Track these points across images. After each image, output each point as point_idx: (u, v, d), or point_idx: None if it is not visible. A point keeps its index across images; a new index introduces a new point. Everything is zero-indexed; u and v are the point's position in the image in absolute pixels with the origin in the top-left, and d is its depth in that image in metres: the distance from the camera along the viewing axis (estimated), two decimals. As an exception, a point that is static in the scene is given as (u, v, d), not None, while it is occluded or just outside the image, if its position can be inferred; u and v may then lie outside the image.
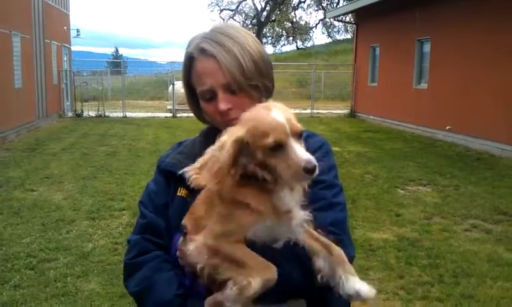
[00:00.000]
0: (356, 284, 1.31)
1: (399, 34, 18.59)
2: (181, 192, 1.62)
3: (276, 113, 1.30)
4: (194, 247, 1.35)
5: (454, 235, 6.67)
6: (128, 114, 23.02)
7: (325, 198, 1.55)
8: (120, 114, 22.87)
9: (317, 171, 1.27)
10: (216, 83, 1.54)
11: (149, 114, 23.60)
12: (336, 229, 1.48)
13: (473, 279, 5.25)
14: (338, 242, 1.39)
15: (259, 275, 1.25)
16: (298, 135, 1.31)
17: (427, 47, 16.96)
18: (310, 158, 1.25)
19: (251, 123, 1.32)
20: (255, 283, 1.24)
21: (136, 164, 11.30)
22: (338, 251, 1.36)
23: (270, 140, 1.26)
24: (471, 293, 4.91)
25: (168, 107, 25.03)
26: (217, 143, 1.33)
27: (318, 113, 24.28)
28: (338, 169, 1.71)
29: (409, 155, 12.85)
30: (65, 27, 24.55)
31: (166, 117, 22.81)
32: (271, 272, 1.27)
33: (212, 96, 1.57)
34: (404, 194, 8.89)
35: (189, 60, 1.61)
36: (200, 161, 1.36)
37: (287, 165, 1.26)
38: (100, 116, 22.23)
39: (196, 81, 1.61)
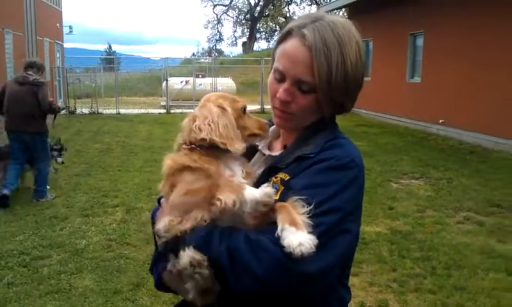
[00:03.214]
0: (289, 239, 1.24)
1: (392, 29, 18.61)
2: None
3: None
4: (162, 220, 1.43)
5: (446, 227, 6.71)
6: (122, 111, 22.92)
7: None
8: (114, 111, 22.78)
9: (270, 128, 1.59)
10: (291, 71, 1.46)
11: (143, 111, 23.49)
12: None
13: (465, 270, 5.30)
14: None
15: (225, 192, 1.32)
16: None
17: (420, 41, 16.98)
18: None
19: (220, 94, 1.59)
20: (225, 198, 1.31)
21: (129, 161, 11.29)
22: (280, 204, 1.33)
23: (240, 103, 1.56)
24: (463, 285, 4.95)
25: (162, 103, 24.96)
26: (210, 112, 1.48)
27: (312, 108, 24.23)
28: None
29: (403, 149, 12.90)
30: (58, 24, 24.46)
31: (159, 113, 22.74)
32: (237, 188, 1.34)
33: (281, 79, 1.50)
34: (397, 187, 8.92)
35: (286, 34, 1.51)
36: (204, 130, 1.45)
37: (254, 122, 1.57)
38: (94, 113, 22.12)
39: (278, 55, 1.52)
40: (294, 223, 1.26)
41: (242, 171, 1.49)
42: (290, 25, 1.52)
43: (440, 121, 15.06)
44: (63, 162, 9.14)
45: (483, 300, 4.68)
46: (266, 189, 1.30)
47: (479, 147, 12.80)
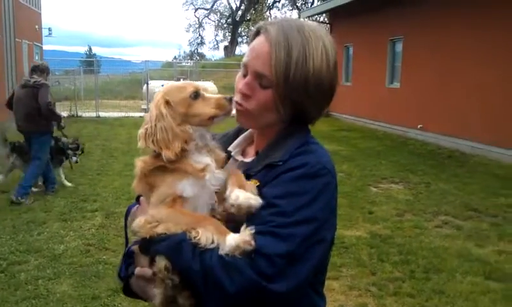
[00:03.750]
0: (236, 193, 1.34)
1: (372, 34, 18.79)
2: None
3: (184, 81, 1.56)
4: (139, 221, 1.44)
5: (425, 231, 6.78)
6: (102, 114, 22.68)
7: (265, 223, 1.32)
8: (93, 114, 22.54)
9: (234, 100, 1.50)
10: (253, 65, 1.48)
11: (123, 114, 23.28)
12: (261, 259, 1.27)
13: (443, 274, 5.36)
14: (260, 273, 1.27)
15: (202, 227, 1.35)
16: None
17: (399, 47, 17.18)
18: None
19: (166, 89, 1.53)
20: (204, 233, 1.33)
21: (109, 165, 11.19)
22: (235, 171, 1.43)
23: (188, 90, 1.49)
24: (441, 289, 5.01)
25: (142, 106, 24.75)
26: (151, 116, 1.48)
27: (293, 112, 24.29)
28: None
29: (382, 153, 13.01)
30: (37, 26, 24.16)
31: (140, 117, 22.53)
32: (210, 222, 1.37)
33: (246, 73, 1.51)
34: (376, 191, 9.00)
35: (256, 31, 1.53)
36: (141, 138, 1.48)
37: (210, 103, 1.49)
38: (73, 116, 21.80)
39: (246, 51, 1.54)
40: (242, 187, 1.34)
41: (212, 161, 1.50)
42: (261, 23, 1.55)
43: (419, 126, 15.25)
44: (76, 162, 9.36)
45: (461, 303, 4.74)
46: (246, 236, 1.28)
47: (456, 152, 12.98)
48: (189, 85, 1.52)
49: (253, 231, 1.28)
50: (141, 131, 1.49)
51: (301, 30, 1.45)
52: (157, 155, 1.46)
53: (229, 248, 1.27)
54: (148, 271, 1.44)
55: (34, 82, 7.94)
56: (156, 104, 1.49)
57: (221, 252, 1.28)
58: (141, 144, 1.47)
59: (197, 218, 1.38)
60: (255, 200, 1.30)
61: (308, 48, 1.43)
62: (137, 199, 1.56)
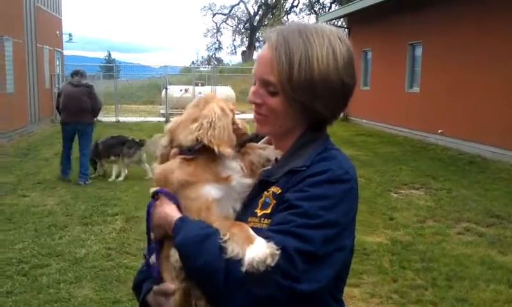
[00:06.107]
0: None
1: (390, 39, 18.68)
2: None
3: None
4: None
5: (447, 238, 6.69)
6: (121, 119, 22.90)
7: (288, 223, 1.32)
8: (113, 119, 22.75)
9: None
10: (258, 73, 1.50)
11: (142, 119, 23.49)
12: (283, 259, 1.26)
13: (466, 282, 5.28)
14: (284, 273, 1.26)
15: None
16: None
17: (418, 51, 17.04)
18: None
19: (222, 96, 1.60)
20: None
21: (129, 169, 11.23)
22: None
23: (231, 104, 1.58)
24: (464, 297, 4.93)
25: (161, 111, 24.96)
26: (210, 113, 1.48)
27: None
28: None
29: (402, 159, 12.90)
30: (57, 32, 24.46)
31: (159, 121, 22.71)
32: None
33: (255, 82, 1.54)
34: (397, 197, 8.92)
35: (263, 41, 1.56)
36: (195, 129, 1.48)
37: (240, 120, 1.57)
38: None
39: None
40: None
41: (242, 167, 1.50)
42: (265, 32, 1.58)
43: (439, 131, 15.08)
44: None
45: (484, 312, 4.67)
46: (270, 249, 1.24)
47: (478, 157, 12.81)
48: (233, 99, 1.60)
49: (278, 251, 1.24)
50: (196, 125, 1.48)
51: (303, 32, 1.45)
52: (181, 167, 1.47)
53: (248, 263, 1.24)
54: (169, 287, 1.46)
55: (86, 83, 9.81)
56: (218, 103, 1.53)
57: (242, 268, 1.25)
58: (193, 137, 1.48)
59: (225, 224, 1.36)
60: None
61: (310, 50, 1.42)
62: (153, 196, 1.55)
